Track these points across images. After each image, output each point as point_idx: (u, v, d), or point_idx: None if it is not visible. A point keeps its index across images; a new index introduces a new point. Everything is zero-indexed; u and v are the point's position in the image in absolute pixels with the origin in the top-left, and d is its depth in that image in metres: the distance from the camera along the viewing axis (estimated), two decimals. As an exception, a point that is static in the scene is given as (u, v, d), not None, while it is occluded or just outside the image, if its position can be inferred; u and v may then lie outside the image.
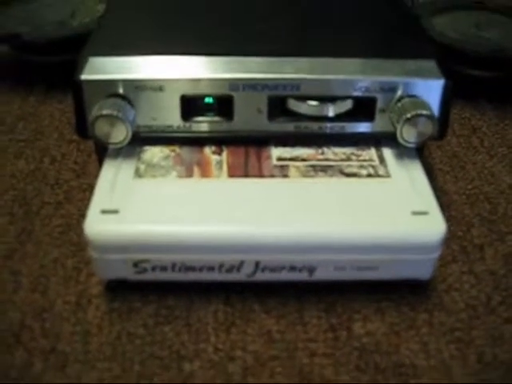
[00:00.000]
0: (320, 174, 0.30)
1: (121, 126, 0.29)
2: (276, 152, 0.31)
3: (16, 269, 0.30)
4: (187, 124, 0.31)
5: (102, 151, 0.31)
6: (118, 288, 0.29)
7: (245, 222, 0.27)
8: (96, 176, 0.30)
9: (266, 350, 0.27)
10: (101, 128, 0.29)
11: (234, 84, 0.30)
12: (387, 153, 0.31)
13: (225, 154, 0.31)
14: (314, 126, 0.31)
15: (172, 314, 0.28)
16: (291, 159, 0.30)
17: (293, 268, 0.27)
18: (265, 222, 0.27)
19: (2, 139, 0.38)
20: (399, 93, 0.30)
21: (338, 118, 0.31)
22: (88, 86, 0.29)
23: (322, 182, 0.29)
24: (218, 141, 0.31)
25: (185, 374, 0.26)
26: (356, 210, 0.28)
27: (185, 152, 0.31)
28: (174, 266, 0.27)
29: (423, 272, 0.28)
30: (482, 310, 0.28)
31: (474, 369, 0.26)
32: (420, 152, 0.31)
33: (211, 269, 0.27)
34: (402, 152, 0.31)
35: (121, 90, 0.29)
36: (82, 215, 0.28)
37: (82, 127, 0.30)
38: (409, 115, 0.29)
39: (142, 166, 0.30)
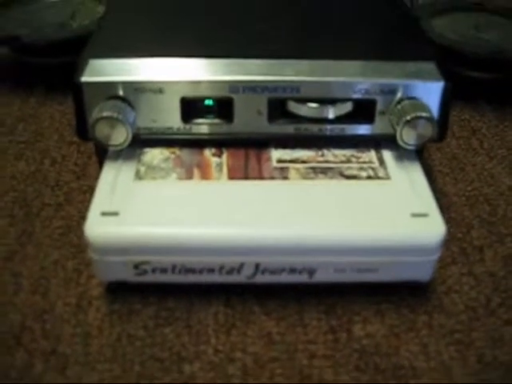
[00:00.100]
0: (320, 176, 0.30)
1: (121, 128, 0.29)
2: (276, 154, 0.31)
3: (16, 271, 0.30)
4: (187, 126, 0.31)
5: (103, 153, 0.31)
6: (118, 290, 0.29)
7: (245, 224, 0.27)
8: (96, 178, 0.30)
9: (266, 352, 0.27)
10: (101, 130, 0.29)
11: (234, 86, 0.30)
12: (387, 155, 0.31)
13: (225, 156, 0.31)
14: (314, 128, 0.31)
15: (172, 316, 0.28)
16: (291, 161, 0.31)
17: (293, 270, 0.27)
18: (265, 224, 0.27)
19: (2, 141, 0.38)
20: (399, 95, 0.30)
21: (338, 120, 0.31)
22: (88, 88, 0.29)
23: (322, 184, 0.29)
24: (218, 143, 0.31)
25: (185, 375, 0.26)
26: (356, 212, 0.28)
27: (185, 154, 0.31)
28: (174, 267, 0.27)
29: (423, 274, 0.28)
30: (482, 312, 0.28)
31: (474, 370, 0.26)
32: (420, 154, 0.31)
33: (211, 271, 0.27)
34: (402, 154, 0.31)
35: (121, 92, 0.29)
36: (83, 217, 0.28)
37: (83, 129, 0.30)
38: (408, 117, 0.29)
39: (143, 168, 0.30)
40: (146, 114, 0.30)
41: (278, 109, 0.30)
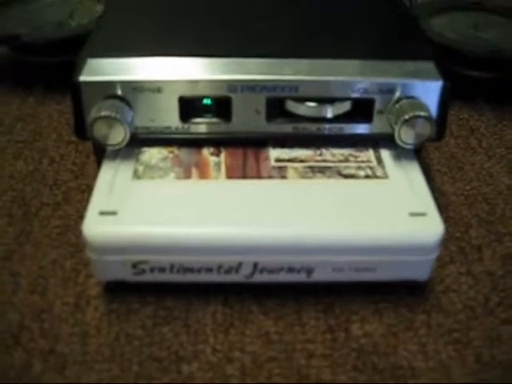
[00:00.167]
0: (318, 175, 0.30)
1: (119, 127, 0.29)
2: (274, 153, 0.31)
3: (15, 270, 0.30)
4: (185, 125, 0.31)
5: (101, 152, 0.31)
6: (116, 289, 0.29)
7: (243, 224, 0.27)
8: (94, 177, 0.30)
9: (264, 351, 0.27)
10: (99, 129, 0.29)
11: (232, 85, 0.30)
12: (385, 154, 0.31)
13: (223, 155, 0.31)
14: (313, 128, 0.31)
15: (170, 315, 0.28)
16: (289, 160, 0.30)
17: (291, 269, 0.27)
18: (263, 223, 0.27)
19: (1, 140, 0.38)
20: (397, 94, 0.30)
21: (336, 119, 0.31)
22: (86, 88, 0.29)
23: (320, 184, 0.29)
24: (217, 142, 0.31)
25: (183, 375, 0.26)
26: (354, 212, 0.28)
27: (183, 153, 0.31)
28: (172, 267, 0.27)
29: (421, 273, 0.28)
30: (480, 311, 0.28)
31: (472, 369, 0.26)
32: (418, 153, 0.31)
33: (209, 270, 0.27)
34: (400, 153, 0.31)
35: (119, 92, 0.29)
36: (81, 216, 0.28)
37: (81, 128, 0.30)
38: (407, 117, 0.29)
39: (141, 168, 0.30)
40: (144, 114, 0.30)
41: (276, 108, 0.30)
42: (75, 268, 0.30)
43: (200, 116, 0.31)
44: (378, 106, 0.30)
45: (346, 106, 0.30)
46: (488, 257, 0.31)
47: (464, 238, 0.32)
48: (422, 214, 0.28)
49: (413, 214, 0.28)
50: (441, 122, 0.31)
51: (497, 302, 0.29)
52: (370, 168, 0.30)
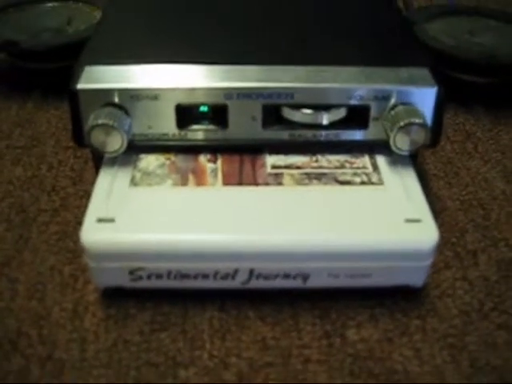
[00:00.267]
0: (314, 181, 0.30)
1: (116, 135, 0.29)
2: (270, 160, 0.31)
3: (13, 276, 0.30)
4: (182, 132, 0.31)
5: (99, 158, 0.31)
6: (114, 295, 0.29)
7: (239, 230, 0.27)
8: (92, 183, 0.30)
9: (261, 357, 0.27)
10: (97, 137, 0.29)
11: (228, 93, 0.30)
12: (381, 160, 0.31)
13: (219, 162, 0.31)
14: (308, 134, 0.31)
15: (168, 321, 0.28)
16: (285, 167, 0.31)
17: (287, 275, 0.27)
18: (259, 230, 0.27)
19: (0, 146, 0.39)
20: (393, 101, 0.30)
21: (332, 125, 0.31)
22: (84, 95, 0.30)
23: (316, 190, 0.29)
24: (213, 149, 0.31)
25: (180, 380, 0.26)
26: (349, 218, 0.28)
27: (180, 160, 0.31)
28: (169, 273, 0.27)
29: (416, 279, 0.28)
30: (475, 316, 0.29)
31: (467, 374, 0.26)
32: (414, 159, 0.32)
33: (206, 276, 0.27)
34: (396, 159, 0.31)
35: (117, 99, 0.30)
36: (79, 222, 0.29)
37: (79, 135, 0.30)
38: (402, 123, 0.29)
39: (138, 174, 0.30)
40: (141, 121, 0.30)
41: (272, 115, 0.31)
42: (73, 274, 0.30)
43: (197, 123, 0.31)
44: (373, 112, 0.31)
45: (341, 113, 0.31)
46: (483, 262, 0.31)
47: (459, 243, 0.32)
48: (417, 221, 0.28)
49: (408, 221, 0.28)
50: (436, 129, 0.31)
51: (491, 307, 0.29)
52: (366, 174, 0.30)
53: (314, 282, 0.28)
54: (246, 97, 0.30)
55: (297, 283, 0.28)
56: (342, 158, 0.31)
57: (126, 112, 0.30)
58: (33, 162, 0.37)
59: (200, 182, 0.30)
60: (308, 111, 0.30)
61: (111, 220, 0.27)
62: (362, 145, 0.32)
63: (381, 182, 0.30)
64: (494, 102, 0.44)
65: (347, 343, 0.27)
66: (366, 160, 0.31)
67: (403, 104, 0.30)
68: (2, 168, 0.37)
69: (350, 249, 0.27)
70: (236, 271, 0.27)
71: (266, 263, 0.27)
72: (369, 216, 0.28)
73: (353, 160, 0.31)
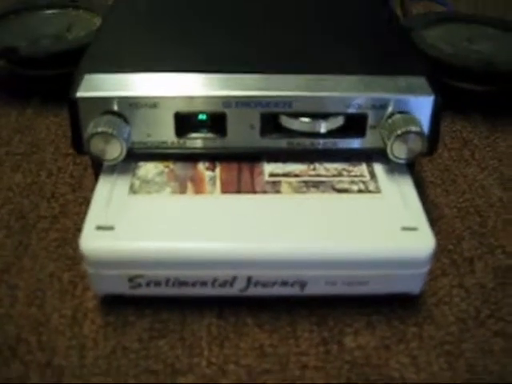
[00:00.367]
0: (312, 189, 0.30)
1: (115, 143, 0.29)
2: (268, 168, 0.31)
3: (13, 283, 0.30)
4: (181, 140, 0.31)
5: (98, 166, 0.31)
6: (113, 302, 0.29)
7: (237, 238, 0.28)
8: (92, 190, 0.30)
9: (259, 364, 0.27)
10: (96, 145, 0.29)
11: (227, 101, 0.30)
12: (378, 168, 0.31)
13: (218, 170, 0.31)
14: (306, 142, 0.31)
15: (166, 328, 0.28)
16: (283, 175, 0.31)
17: (284, 283, 0.28)
18: (257, 237, 0.28)
19: (-1, 152, 0.39)
20: (390, 109, 0.30)
21: (330, 134, 0.31)
22: (83, 103, 0.30)
23: (314, 198, 0.30)
24: (212, 157, 0.32)
25: (178, 387, 0.26)
26: (346, 226, 0.28)
27: (179, 168, 0.31)
28: (167, 281, 0.27)
29: (413, 286, 0.28)
30: (472, 324, 0.29)
31: (464, 381, 0.26)
32: (411, 167, 0.32)
33: (204, 284, 0.28)
34: (393, 167, 0.31)
35: (116, 107, 0.30)
36: (78, 229, 0.29)
37: (78, 143, 0.31)
38: (399, 132, 0.29)
39: (137, 182, 0.30)
40: (140, 129, 0.30)
41: (270, 123, 0.31)
42: (72, 281, 0.30)
43: (195, 131, 0.31)
44: (370, 121, 0.31)
45: (339, 121, 0.31)
46: (480, 269, 0.31)
47: (456, 250, 0.33)
48: (414, 229, 0.28)
49: (404, 229, 0.28)
50: (433, 137, 0.31)
51: (488, 315, 0.29)
52: (363, 182, 0.31)
53: (311, 290, 0.28)
54: (244, 105, 0.30)
55: (294, 291, 0.28)
56: (339, 166, 0.31)
57: (125, 120, 0.30)
58: (32, 168, 0.37)
59: (198, 189, 0.30)
60: (306, 120, 0.31)
61: (110, 228, 0.28)
62: (360, 153, 0.32)
63: (378, 190, 0.30)
64: (492, 109, 0.44)
65: (344, 350, 0.28)
66: (363, 168, 0.31)
67: (400, 112, 0.30)
68: (1, 174, 0.37)
69: (348, 257, 0.27)
70: (234, 279, 0.27)
71: (264, 271, 0.27)
72: (366, 224, 0.28)
73: (350, 168, 0.31)
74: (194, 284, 0.28)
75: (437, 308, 0.29)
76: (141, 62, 0.32)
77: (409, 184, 0.31)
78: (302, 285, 0.28)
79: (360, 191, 0.30)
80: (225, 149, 0.31)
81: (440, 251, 0.32)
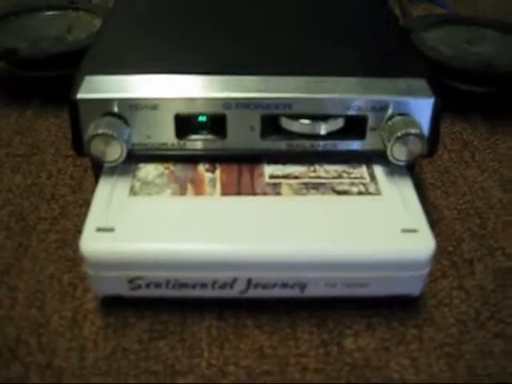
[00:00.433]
0: (312, 191, 0.30)
1: (116, 144, 0.29)
2: (268, 170, 0.31)
3: (12, 284, 0.30)
4: (181, 142, 0.31)
5: (99, 167, 0.31)
6: (113, 303, 0.29)
7: (237, 240, 0.28)
8: (92, 191, 0.30)
9: (259, 365, 0.27)
10: (96, 147, 0.29)
11: (227, 103, 0.30)
12: (378, 170, 0.31)
13: (218, 171, 0.31)
14: (306, 144, 0.31)
15: (166, 330, 0.28)
16: (284, 177, 0.31)
17: (284, 285, 0.28)
18: (257, 239, 0.28)
19: (-1, 154, 0.39)
20: (390, 111, 0.30)
21: (330, 136, 0.31)
22: (84, 105, 0.30)
23: (314, 200, 0.30)
24: (212, 159, 0.32)
25: (178, 389, 0.26)
26: (347, 228, 0.28)
27: (179, 170, 0.31)
28: (167, 282, 0.27)
29: (413, 288, 0.29)
30: (472, 325, 0.29)
31: (464, 383, 0.26)
32: (411, 169, 0.32)
33: (204, 285, 0.28)
34: (393, 169, 0.31)
35: (116, 109, 0.30)
36: (78, 231, 0.29)
37: (78, 144, 0.31)
38: (399, 134, 0.29)
39: (137, 184, 0.30)
40: (140, 130, 0.31)
41: (270, 125, 0.31)
42: (72, 282, 0.30)
43: (196, 133, 0.31)
44: (370, 122, 0.31)
45: (339, 123, 0.31)
46: (480, 271, 0.31)
47: (456, 252, 0.33)
48: (414, 231, 0.28)
49: (404, 231, 0.28)
50: (433, 139, 0.31)
51: (488, 316, 0.29)
52: (363, 184, 0.31)
53: (311, 292, 0.28)
54: (244, 107, 0.30)
55: (294, 292, 0.28)
56: (339, 168, 0.32)
57: (126, 122, 0.30)
58: (32, 170, 0.37)
59: (199, 191, 0.30)
60: (306, 121, 0.31)
61: (111, 229, 0.28)
62: (360, 155, 0.32)
63: (378, 192, 0.30)
64: (492, 111, 0.44)
65: (344, 352, 0.28)
66: (363, 170, 0.31)
67: (400, 114, 0.30)
68: (1, 176, 0.37)
69: (347, 258, 0.27)
70: (234, 280, 0.27)
71: (264, 272, 0.27)
72: (366, 226, 0.28)
73: (350, 170, 0.31)
74: (194, 286, 0.28)
75: (437, 310, 0.29)
76: (141, 64, 0.32)
77: (409, 186, 0.31)
78: (302, 287, 0.28)
79: (360, 193, 0.30)
80: (225, 150, 0.31)
81: (440, 253, 0.32)
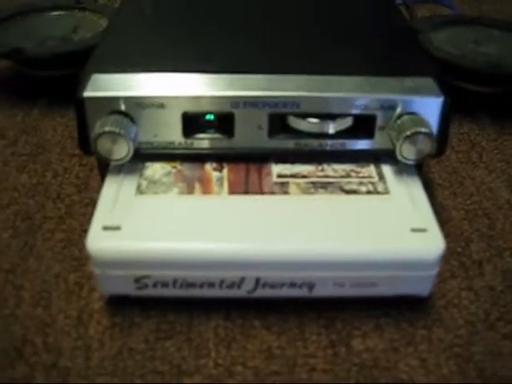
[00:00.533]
0: (320, 190, 0.30)
1: (123, 142, 0.29)
2: (276, 169, 0.31)
3: (18, 283, 0.30)
4: (188, 141, 0.31)
5: (105, 166, 0.31)
6: (119, 303, 0.29)
7: (245, 239, 0.27)
8: (98, 190, 0.30)
9: (266, 366, 0.27)
10: (103, 145, 0.29)
11: (234, 101, 0.30)
12: (386, 169, 0.31)
13: (225, 170, 0.31)
14: (314, 143, 0.31)
15: (173, 329, 0.28)
16: (291, 176, 0.31)
17: (293, 284, 0.27)
18: (265, 239, 0.27)
19: (5, 153, 0.39)
20: (398, 110, 0.30)
21: (338, 135, 0.31)
22: (90, 103, 0.30)
23: (322, 199, 0.29)
24: (219, 157, 0.31)
25: (185, 389, 0.26)
26: (355, 227, 0.28)
27: (186, 168, 0.31)
28: (175, 282, 0.27)
29: (422, 288, 0.28)
30: (481, 326, 0.29)
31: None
32: (419, 168, 0.32)
33: (212, 285, 0.27)
34: (402, 169, 0.31)
35: (123, 107, 0.30)
36: (84, 230, 0.29)
37: (85, 143, 0.31)
38: (408, 133, 0.29)
39: (144, 183, 0.30)
40: (147, 129, 0.30)
41: (278, 124, 0.31)
42: (78, 282, 0.30)
43: (203, 131, 0.31)
44: (379, 122, 0.31)
45: (347, 122, 0.31)
46: (489, 272, 0.31)
47: (465, 252, 0.32)
48: (423, 230, 0.28)
49: (414, 230, 0.28)
50: (441, 138, 0.31)
51: (497, 317, 0.29)
52: (372, 183, 0.30)
53: (319, 291, 0.28)
54: (252, 105, 0.30)
55: (302, 292, 0.28)
56: (347, 167, 0.31)
57: (132, 120, 0.30)
58: (38, 169, 0.37)
59: (206, 190, 0.30)
60: (314, 120, 0.30)
61: (117, 228, 0.27)
62: (368, 154, 0.32)
63: (387, 192, 0.30)
64: (499, 111, 0.44)
65: (352, 353, 0.27)
66: (371, 169, 0.31)
67: (409, 113, 0.30)
68: (7, 175, 0.37)
69: (356, 258, 0.27)
70: (242, 280, 0.27)
71: (272, 272, 0.27)
72: (374, 225, 0.28)
73: (359, 169, 0.31)
74: (201, 285, 0.27)
75: (446, 310, 0.29)
76: (148, 62, 0.31)
77: (417, 185, 0.30)
78: (311, 286, 0.28)
79: (368, 192, 0.30)
80: (232, 149, 0.31)
81: (449, 254, 0.32)
